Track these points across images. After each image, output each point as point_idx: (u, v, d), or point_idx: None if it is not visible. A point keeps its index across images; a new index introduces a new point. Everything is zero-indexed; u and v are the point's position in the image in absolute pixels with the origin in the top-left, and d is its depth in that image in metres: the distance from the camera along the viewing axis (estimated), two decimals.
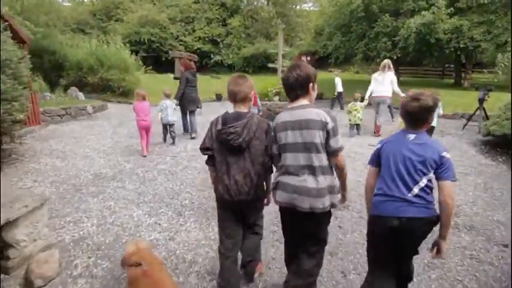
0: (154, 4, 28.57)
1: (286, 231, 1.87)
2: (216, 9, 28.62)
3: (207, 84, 19.18)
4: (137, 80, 14.14)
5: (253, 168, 1.76)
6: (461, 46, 13.16)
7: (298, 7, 31.93)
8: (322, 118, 1.59)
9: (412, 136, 1.63)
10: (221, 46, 27.84)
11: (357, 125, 6.72)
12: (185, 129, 6.76)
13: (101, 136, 6.61)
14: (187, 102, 6.55)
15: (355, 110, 6.65)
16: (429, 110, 1.61)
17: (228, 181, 1.76)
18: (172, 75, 18.67)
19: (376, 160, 1.73)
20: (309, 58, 35.65)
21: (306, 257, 1.74)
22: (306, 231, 1.73)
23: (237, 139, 1.69)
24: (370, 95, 6.71)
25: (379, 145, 1.74)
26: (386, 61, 6.71)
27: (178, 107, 6.42)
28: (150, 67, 19.10)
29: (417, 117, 1.62)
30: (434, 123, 5.19)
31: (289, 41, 26.42)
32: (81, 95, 11.89)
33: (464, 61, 18.39)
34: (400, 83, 12.82)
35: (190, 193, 3.60)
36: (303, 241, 1.75)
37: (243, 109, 1.81)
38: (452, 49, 13.43)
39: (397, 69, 19.06)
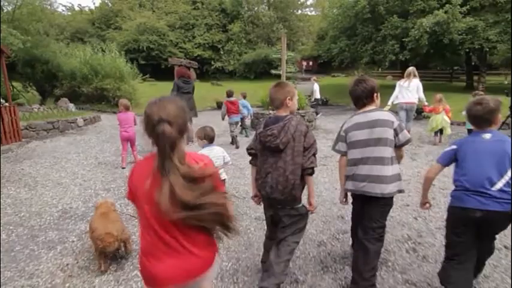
0: (154, 11, 28.16)
1: (357, 217, 2.15)
2: (216, 15, 28.11)
3: (207, 91, 18.50)
4: (133, 90, 13.48)
5: (289, 167, 1.84)
6: (476, 47, 12.37)
7: (299, 11, 31.41)
8: (391, 118, 1.93)
9: (488, 135, 1.78)
10: (222, 52, 27.26)
11: None
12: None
13: (84, 155, 5.85)
14: None
15: None
16: (492, 112, 1.78)
17: (266, 178, 1.89)
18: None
19: (449, 160, 1.89)
20: (310, 63, 35.12)
21: (374, 241, 1.95)
22: (375, 215, 1.97)
23: (274, 141, 1.83)
24: (393, 101, 6.57)
25: (454, 146, 1.88)
26: (412, 68, 6.49)
27: None
28: (147, 75, 18.44)
29: (483, 118, 1.80)
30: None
31: (291, 46, 25.76)
32: (72, 106, 11.20)
33: (476, 63, 17.58)
34: None
35: None
36: (370, 224, 1.97)
37: (281, 113, 1.92)
38: (467, 50, 12.62)
39: (403, 73, 18.28)
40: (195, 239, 1.14)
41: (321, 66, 32.50)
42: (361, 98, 2.01)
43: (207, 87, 20.64)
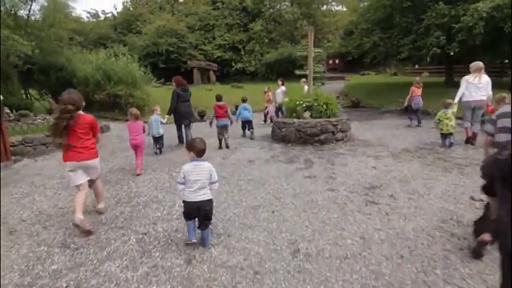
0: (174, 14, 27.67)
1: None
2: (237, 15, 27.10)
3: (226, 94, 17.34)
4: (147, 95, 12.62)
5: None
6: None
7: (324, 7, 29.56)
8: None
9: None
10: (242, 53, 26.16)
11: (451, 134, 6.13)
12: (180, 141, 7.06)
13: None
14: (179, 117, 6.88)
15: (447, 118, 6.05)
16: None
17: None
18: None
19: None
20: (337, 61, 33.04)
21: None
22: None
23: None
24: (460, 99, 6.19)
25: None
26: (480, 63, 6.14)
27: (165, 120, 6.58)
28: (162, 79, 17.66)
29: None
30: None
31: (317, 43, 24.02)
32: None
33: None
34: (455, 85, 10.51)
35: None
36: None
37: None
38: None
39: (449, 67, 15.97)
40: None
41: (349, 64, 30.42)
42: None
43: (227, 89, 19.52)
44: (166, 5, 29.46)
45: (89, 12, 32.75)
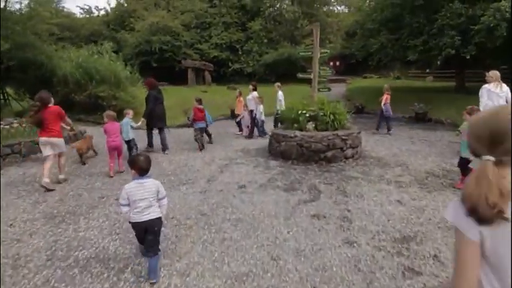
0: (169, 11, 26.50)
1: None
2: (235, 13, 25.97)
3: (221, 96, 16.23)
4: (132, 98, 11.45)
5: None
6: None
7: (325, 7, 28.56)
8: None
9: None
10: (240, 53, 25.04)
11: None
12: (149, 145, 6.85)
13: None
14: (157, 119, 6.62)
15: None
16: None
17: None
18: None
19: None
20: (338, 63, 32.03)
21: None
22: None
23: None
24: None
25: None
26: (497, 72, 5.76)
27: (136, 125, 6.15)
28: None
29: None
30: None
31: (319, 43, 23.00)
32: None
33: None
34: (467, 91, 9.58)
35: None
36: None
37: None
38: None
39: (460, 71, 14.87)
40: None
41: (350, 66, 29.42)
42: None
43: (223, 91, 18.42)
44: (161, 1, 28.29)
45: (82, 8, 31.56)
